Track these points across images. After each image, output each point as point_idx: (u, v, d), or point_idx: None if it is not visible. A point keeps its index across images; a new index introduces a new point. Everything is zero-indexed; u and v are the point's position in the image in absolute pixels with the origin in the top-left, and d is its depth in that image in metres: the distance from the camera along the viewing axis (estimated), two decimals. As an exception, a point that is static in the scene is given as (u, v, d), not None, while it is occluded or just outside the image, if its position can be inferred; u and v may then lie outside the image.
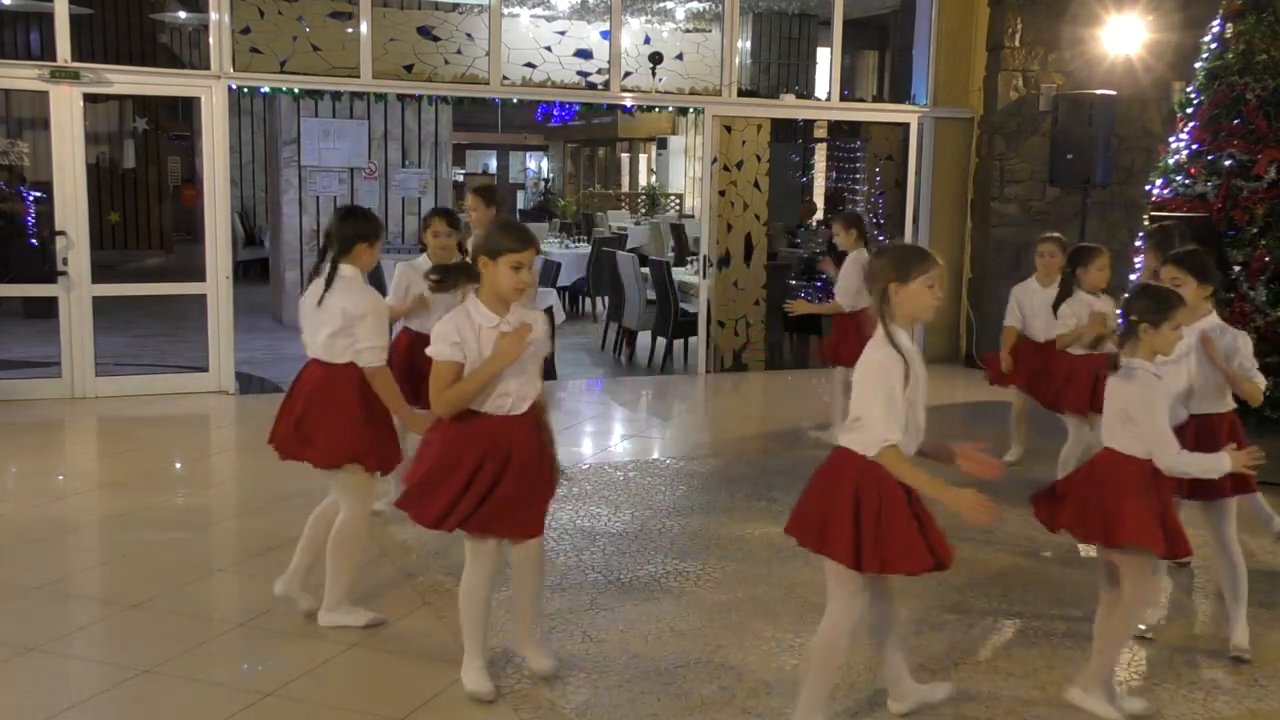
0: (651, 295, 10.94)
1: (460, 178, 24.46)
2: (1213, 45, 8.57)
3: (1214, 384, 4.43)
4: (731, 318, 10.71)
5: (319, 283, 4.43)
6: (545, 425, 3.89)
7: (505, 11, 11.62)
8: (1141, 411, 3.73)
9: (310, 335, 4.47)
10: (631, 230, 17.69)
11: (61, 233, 8.51)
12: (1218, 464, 3.81)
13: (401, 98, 12.15)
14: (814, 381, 10.13)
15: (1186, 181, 8.45)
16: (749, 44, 16.36)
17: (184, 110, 17.43)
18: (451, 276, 3.82)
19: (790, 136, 16.23)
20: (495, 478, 3.69)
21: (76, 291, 8.55)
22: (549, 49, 12.57)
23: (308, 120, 12.49)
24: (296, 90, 10.71)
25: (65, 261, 8.52)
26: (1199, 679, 4.26)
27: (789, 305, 8.06)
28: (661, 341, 10.98)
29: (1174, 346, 3.90)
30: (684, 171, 21.49)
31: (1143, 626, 4.58)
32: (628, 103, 10.88)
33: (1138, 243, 8.94)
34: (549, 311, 7.72)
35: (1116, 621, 3.90)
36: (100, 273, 9.02)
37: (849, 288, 7.41)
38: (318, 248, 4.69)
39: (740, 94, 11.04)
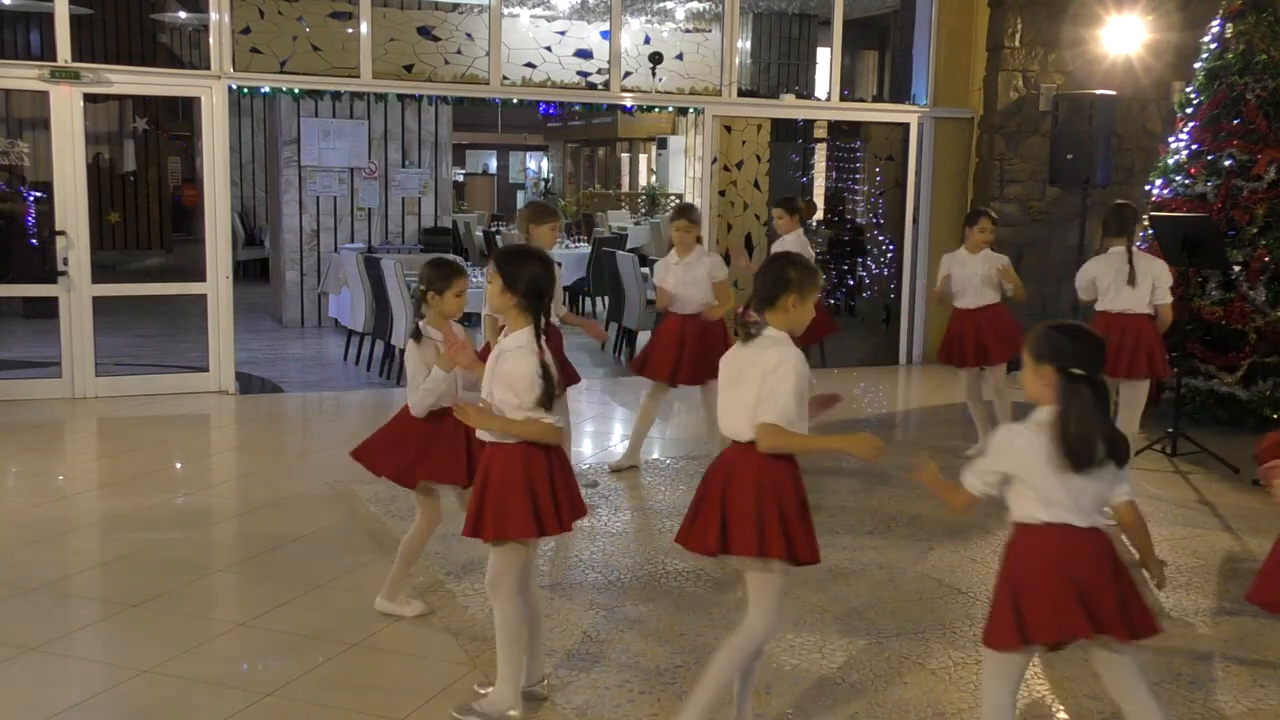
0: (651, 295, 10.91)
1: (460, 177, 24.46)
2: (1213, 45, 8.58)
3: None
4: (731, 318, 10.67)
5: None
6: None
7: (505, 11, 11.63)
8: None
9: None
10: (631, 230, 17.67)
11: (61, 233, 8.51)
12: None
13: (401, 98, 12.15)
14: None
15: (1186, 181, 8.47)
16: (749, 44, 16.35)
17: (184, 110, 17.43)
18: None
19: (790, 136, 16.21)
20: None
21: (76, 291, 8.55)
22: (549, 49, 12.56)
23: (308, 120, 12.50)
24: (296, 90, 10.71)
25: (65, 261, 8.52)
26: (1199, 679, 4.26)
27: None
28: (661, 341, 10.95)
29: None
30: (684, 171, 21.46)
31: None
32: (628, 103, 10.87)
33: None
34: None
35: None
36: (100, 273, 9.01)
37: None
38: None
39: (740, 94, 11.04)
